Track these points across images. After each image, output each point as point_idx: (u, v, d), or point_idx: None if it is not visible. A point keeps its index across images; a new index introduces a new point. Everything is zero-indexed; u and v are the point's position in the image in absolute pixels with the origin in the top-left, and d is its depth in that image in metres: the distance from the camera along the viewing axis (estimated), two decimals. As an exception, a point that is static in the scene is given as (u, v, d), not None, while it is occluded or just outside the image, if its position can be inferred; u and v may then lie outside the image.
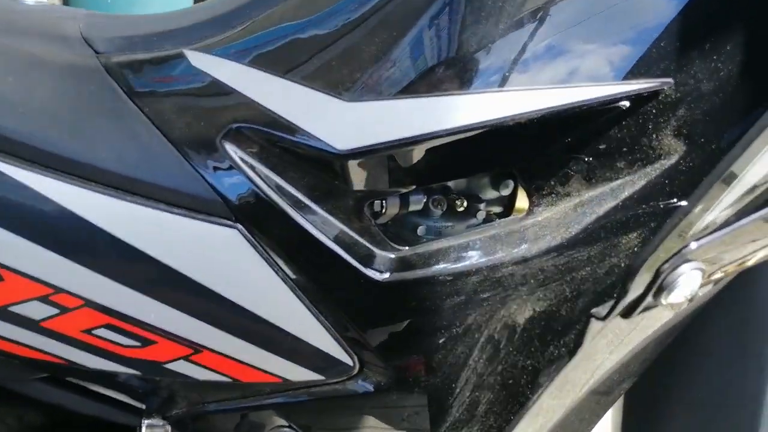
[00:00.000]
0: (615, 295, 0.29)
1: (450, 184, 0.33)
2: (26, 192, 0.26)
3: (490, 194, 0.33)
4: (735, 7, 0.26)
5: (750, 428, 0.41)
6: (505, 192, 0.32)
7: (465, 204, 0.33)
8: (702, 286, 0.30)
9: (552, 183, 0.29)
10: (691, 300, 0.30)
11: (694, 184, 0.27)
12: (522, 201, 0.33)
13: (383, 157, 0.28)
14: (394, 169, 0.29)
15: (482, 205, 0.33)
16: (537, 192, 0.30)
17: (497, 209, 0.33)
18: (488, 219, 0.33)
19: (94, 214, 0.27)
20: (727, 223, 0.29)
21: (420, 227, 0.32)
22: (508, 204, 0.33)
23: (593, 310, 0.29)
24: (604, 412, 0.40)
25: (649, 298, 0.29)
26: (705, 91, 0.27)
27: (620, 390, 0.39)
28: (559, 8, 0.27)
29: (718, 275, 0.31)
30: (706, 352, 0.42)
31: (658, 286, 0.29)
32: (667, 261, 0.28)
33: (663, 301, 0.28)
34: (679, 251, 0.30)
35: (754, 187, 0.28)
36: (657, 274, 0.29)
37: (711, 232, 0.28)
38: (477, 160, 0.30)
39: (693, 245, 0.28)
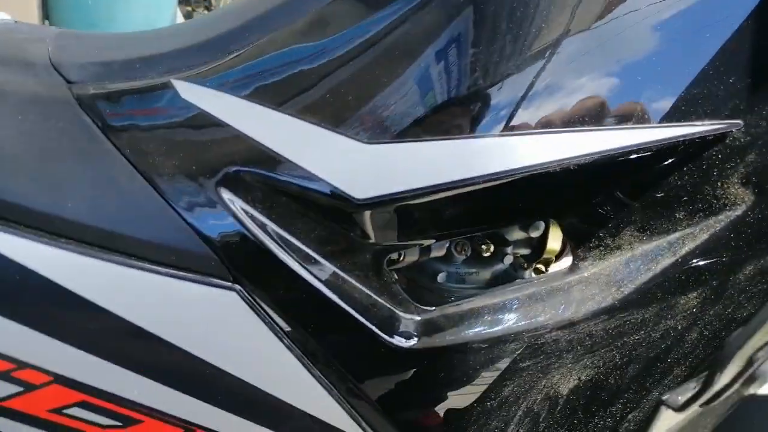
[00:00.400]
0: (695, 386, 0.25)
1: (476, 232, 0.30)
2: None
3: (518, 235, 0.30)
4: None
5: None
6: (535, 234, 0.29)
7: (492, 249, 0.29)
8: None
9: (600, 234, 0.26)
10: None
11: (765, 238, 0.24)
12: (554, 242, 0.29)
13: (407, 206, 0.24)
14: (419, 219, 0.25)
15: (509, 248, 0.29)
16: (582, 244, 0.26)
17: (525, 251, 0.29)
18: (516, 263, 0.30)
19: (62, 275, 0.22)
20: None
21: (441, 274, 0.29)
22: (538, 246, 0.30)
23: (666, 398, 0.25)
24: None
25: (736, 386, 0.25)
26: None
27: None
28: (605, 38, 0.23)
29: None
30: None
31: (749, 375, 0.25)
32: (762, 348, 0.25)
33: (752, 390, 0.25)
34: None
35: None
36: (750, 362, 0.25)
37: None
38: (513, 208, 0.26)
39: None
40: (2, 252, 0.22)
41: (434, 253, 0.28)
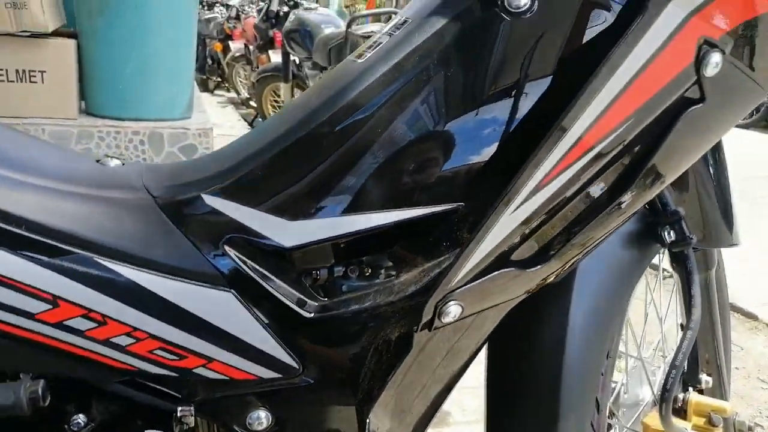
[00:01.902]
0: (417, 321, 0.49)
1: (363, 259, 0.52)
2: (113, 275, 0.45)
3: (386, 264, 0.53)
4: None
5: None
6: (385, 263, 0.54)
7: (370, 271, 0.52)
8: (466, 316, 0.50)
9: (407, 260, 0.50)
10: (455, 321, 0.50)
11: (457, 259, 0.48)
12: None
13: (313, 247, 0.49)
14: (321, 253, 0.51)
15: (382, 271, 0.50)
16: (400, 264, 0.51)
17: (392, 274, 0.55)
18: (387, 278, 0.54)
19: (149, 283, 0.45)
20: (474, 279, 0.49)
21: (344, 286, 0.50)
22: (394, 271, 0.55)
23: (414, 328, 0.50)
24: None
25: (436, 320, 0.50)
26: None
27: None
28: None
29: (484, 307, 0.52)
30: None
31: (438, 312, 0.49)
32: (440, 300, 0.49)
33: (443, 320, 0.50)
34: (447, 294, 0.48)
35: (488, 254, 0.48)
36: (436, 307, 0.49)
37: (465, 284, 0.49)
38: (372, 245, 0.51)
39: (456, 291, 0.49)
40: (122, 274, 0.46)
41: (336, 274, 0.50)
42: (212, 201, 0.47)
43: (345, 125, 0.46)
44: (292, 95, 4.66)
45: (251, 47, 6.19)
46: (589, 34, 0.45)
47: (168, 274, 0.46)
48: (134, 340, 0.46)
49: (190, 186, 0.49)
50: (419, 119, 0.47)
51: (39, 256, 0.44)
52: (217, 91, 8.18)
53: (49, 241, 0.44)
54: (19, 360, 0.46)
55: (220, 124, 5.19)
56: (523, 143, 0.45)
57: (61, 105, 2.31)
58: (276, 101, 5.25)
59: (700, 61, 0.45)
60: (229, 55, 7.01)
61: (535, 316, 0.63)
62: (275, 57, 5.35)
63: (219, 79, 8.08)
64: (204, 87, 7.73)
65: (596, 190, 0.50)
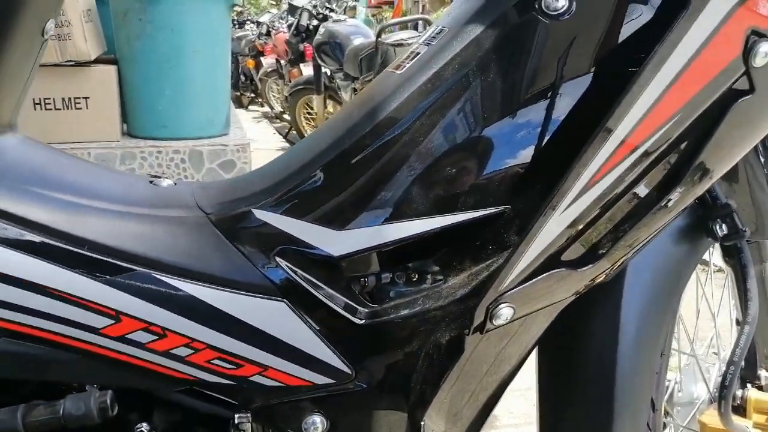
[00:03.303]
0: (468, 324, 0.50)
1: (409, 265, 0.53)
2: (171, 289, 0.47)
3: (433, 269, 0.53)
4: None
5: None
6: (435, 267, 0.55)
7: (416, 277, 0.51)
8: (518, 318, 0.50)
9: (453, 264, 0.50)
10: (506, 324, 0.50)
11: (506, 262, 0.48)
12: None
13: (361, 256, 0.50)
14: (368, 261, 0.52)
15: (429, 276, 0.50)
16: (448, 269, 0.51)
17: (439, 279, 0.55)
18: (434, 283, 0.52)
19: (205, 296, 0.47)
20: (525, 281, 0.49)
21: (391, 292, 0.50)
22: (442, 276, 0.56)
23: (466, 332, 0.50)
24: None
25: (487, 323, 0.50)
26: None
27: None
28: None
29: (535, 309, 0.52)
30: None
31: (490, 315, 0.50)
32: (491, 303, 0.49)
33: (494, 323, 0.50)
34: (498, 297, 0.49)
35: (538, 256, 0.49)
36: (487, 310, 0.50)
37: (516, 286, 0.49)
38: (418, 251, 0.51)
39: (507, 293, 0.49)
40: (180, 287, 0.47)
41: (384, 281, 0.51)
42: (262, 215, 0.49)
43: (387, 135, 0.47)
44: (325, 107, 4.71)
45: (283, 62, 6.30)
46: (629, 31, 0.45)
47: (223, 286, 0.47)
48: (193, 351, 0.48)
49: (240, 202, 0.50)
50: (461, 125, 0.47)
51: (102, 275, 0.46)
52: (251, 107, 8.35)
53: (111, 260, 0.47)
54: (85, 373, 0.49)
55: (256, 138, 5.29)
56: (568, 144, 0.45)
57: (104, 128, 2.40)
58: (309, 113, 5.33)
59: (748, 52, 0.44)
60: (261, 71, 7.14)
61: (586, 317, 0.62)
62: (306, 70, 5.43)
63: (252, 95, 8.24)
64: (238, 103, 7.90)
65: (644, 188, 0.49)
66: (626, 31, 0.45)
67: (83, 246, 0.46)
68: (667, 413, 0.81)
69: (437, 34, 0.51)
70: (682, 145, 0.48)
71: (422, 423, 0.53)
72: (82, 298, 0.46)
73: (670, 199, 0.50)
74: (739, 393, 0.72)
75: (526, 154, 0.47)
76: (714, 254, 0.75)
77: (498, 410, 1.55)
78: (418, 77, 0.49)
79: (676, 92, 0.45)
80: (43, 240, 0.45)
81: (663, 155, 0.48)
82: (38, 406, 0.46)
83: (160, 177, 0.58)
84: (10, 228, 0.45)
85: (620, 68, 0.45)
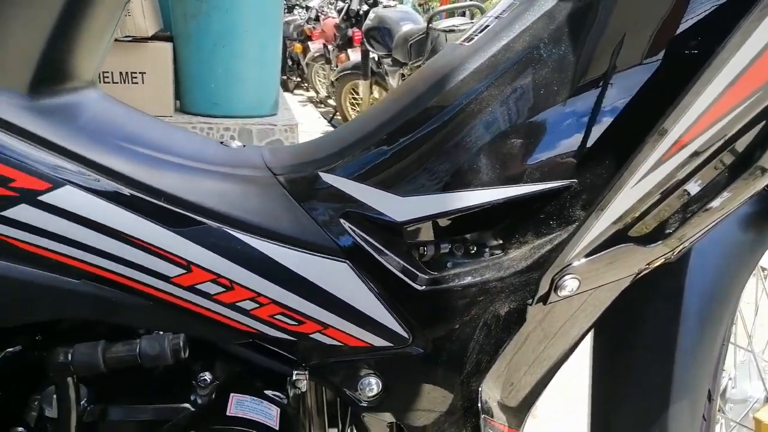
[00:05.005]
0: (531, 295, 0.49)
1: (467, 236, 0.53)
2: (240, 245, 0.47)
3: (492, 242, 0.53)
4: None
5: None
6: (495, 242, 0.55)
7: (475, 249, 0.51)
8: (582, 291, 0.50)
9: (516, 237, 0.50)
10: (571, 296, 0.50)
11: (574, 233, 0.48)
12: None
13: (423, 223, 0.50)
14: (429, 230, 0.53)
15: (487, 249, 0.51)
16: (508, 241, 0.51)
17: (498, 253, 0.55)
18: (492, 255, 0.51)
19: (273, 253, 0.48)
20: (592, 253, 0.48)
21: (449, 263, 0.50)
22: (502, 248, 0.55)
23: (529, 302, 0.50)
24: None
25: (552, 293, 0.50)
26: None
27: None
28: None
29: (600, 283, 0.51)
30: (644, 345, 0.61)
31: (555, 286, 0.49)
32: (557, 273, 0.49)
33: (559, 294, 0.49)
34: (564, 268, 0.48)
35: (606, 229, 0.48)
36: (552, 280, 0.49)
37: (584, 257, 0.48)
38: (477, 223, 0.51)
39: (574, 264, 0.49)
40: (251, 245, 0.49)
41: (442, 251, 0.51)
42: (329, 178, 0.49)
43: (455, 105, 0.47)
44: (371, 92, 4.72)
45: (330, 47, 6.32)
46: (704, 9, 0.44)
47: (290, 245, 0.48)
48: (257, 305, 0.49)
49: (308, 165, 0.51)
50: (530, 98, 0.47)
51: (176, 226, 0.48)
52: (296, 91, 8.42)
53: (185, 212, 0.48)
54: (155, 319, 0.51)
55: (301, 122, 5.32)
56: (641, 120, 0.44)
57: (158, 103, 2.47)
58: (355, 99, 5.34)
59: None
60: (308, 56, 7.19)
61: (647, 299, 0.61)
62: (354, 56, 5.44)
63: (299, 79, 8.31)
64: (284, 87, 7.96)
65: (717, 167, 0.48)
66: (699, 9, 0.44)
67: (159, 197, 0.48)
68: (719, 408, 0.79)
69: (508, 7, 0.51)
70: (757, 128, 0.47)
71: (480, 389, 0.53)
72: (156, 247, 0.47)
73: (742, 180, 0.49)
74: (799, 391, 0.70)
75: (596, 129, 0.47)
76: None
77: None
78: (488, 48, 0.49)
79: (759, 68, 0.44)
80: (122, 189, 0.47)
81: (737, 136, 0.47)
82: (117, 344, 0.49)
83: (230, 139, 0.59)
84: (92, 175, 0.47)
85: (697, 45, 0.44)
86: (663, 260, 0.53)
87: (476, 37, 0.51)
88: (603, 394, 0.65)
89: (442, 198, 0.48)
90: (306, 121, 5.81)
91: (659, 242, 0.49)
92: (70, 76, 0.50)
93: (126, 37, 2.30)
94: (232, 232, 0.48)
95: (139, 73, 2.45)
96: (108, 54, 0.56)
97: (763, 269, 0.76)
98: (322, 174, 0.50)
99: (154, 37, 2.42)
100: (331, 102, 6.08)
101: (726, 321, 0.63)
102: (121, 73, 2.42)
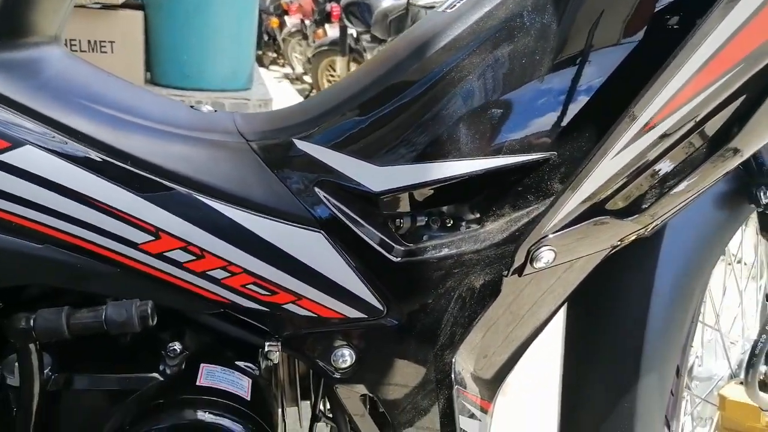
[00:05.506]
0: (507, 267, 0.49)
1: (443, 209, 0.52)
2: (211, 212, 0.46)
3: (469, 215, 0.53)
4: None
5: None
6: (472, 215, 0.54)
7: (451, 222, 0.52)
8: (557, 264, 0.50)
9: (492, 209, 0.50)
10: (546, 268, 0.50)
11: (551, 206, 0.47)
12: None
13: (400, 194, 0.50)
14: (405, 201, 0.52)
15: (463, 222, 0.51)
16: (485, 214, 0.50)
17: (475, 225, 0.55)
18: (468, 228, 0.54)
19: (245, 221, 0.47)
20: (568, 225, 0.48)
21: (425, 236, 0.50)
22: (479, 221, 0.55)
23: (504, 273, 0.49)
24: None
25: (528, 265, 0.49)
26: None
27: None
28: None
29: (575, 256, 0.51)
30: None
31: (531, 257, 0.49)
32: (533, 245, 0.48)
33: (535, 266, 0.49)
34: (540, 239, 0.48)
35: (584, 201, 0.47)
36: (528, 252, 0.49)
37: (560, 229, 0.48)
38: (454, 195, 0.51)
39: (550, 236, 0.48)
40: (221, 211, 0.47)
41: (419, 223, 0.50)
42: (304, 146, 0.48)
43: (436, 72, 0.46)
44: (349, 69, 4.66)
45: (307, 22, 6.22)
46: None
47: (262, 213, 0.47)
48: (229, 274, 0.48)
49: (282, 131, 0.50)
50: (512, 67, 0.46)
51: (142, 191, 0.46)
52: (272, 67, 8.27)
53: (153, 177, 0.46)
54: (123, 287, 0.49)
55: (277, 99, 5.24)
56: (621, 92, 0.44)
57: (128, 74, 2.37)
58: (332, 76, 5.27)
59: None
60: (285, 31, 7.06)
61: (620, 274, 0.61)
62: (331, 31, 5.36)
63: (275, 55, 8.16)
64: (259, 62, 7.80)
65: (695, 142, 0.48)
66: None
67: (126, 160, 0.46)
68: (686, 385, 0.80)
69: None
70: (740, 99, 0.47)
71: (453, 361, 0.53)
72: (122, 212, 0.45)
73: (721, 156, 0.49)
74: (762, 369, 0.71)
75: (578, 101, 0.46)
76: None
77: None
78: (469, 15, 0.47)
79: (738, 44, 0.43)
80: (86, 150, 0.45)
81: (708, 117, 0.46)
82: (82, 309, 0.47)
83: (200, 103, 0.57)
84: (55, 135, 0.45)
85: (673, 25, 0.43)
86: (636, 236, 0.53)
87: (458, 4, 0.50)
88: (574, 368, 0.65)
89: (420, 168, 0.47)
90: (281, 99, 5.73)
91: (635, 215, 0.49)
92: (31, 29, 0.47)
93: (95, 3, 2.22)
94: (202, 199, 0.47)
95: (108, 42, 2.36)
96: (71, 10, 0.53)
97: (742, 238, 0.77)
98: (296, 141, 0.49)
99: (125, 5, 2.34)
100: (308, 79, 6.00)
101: (696, 298, 0.63)
102: (89, 41, 2.33)
